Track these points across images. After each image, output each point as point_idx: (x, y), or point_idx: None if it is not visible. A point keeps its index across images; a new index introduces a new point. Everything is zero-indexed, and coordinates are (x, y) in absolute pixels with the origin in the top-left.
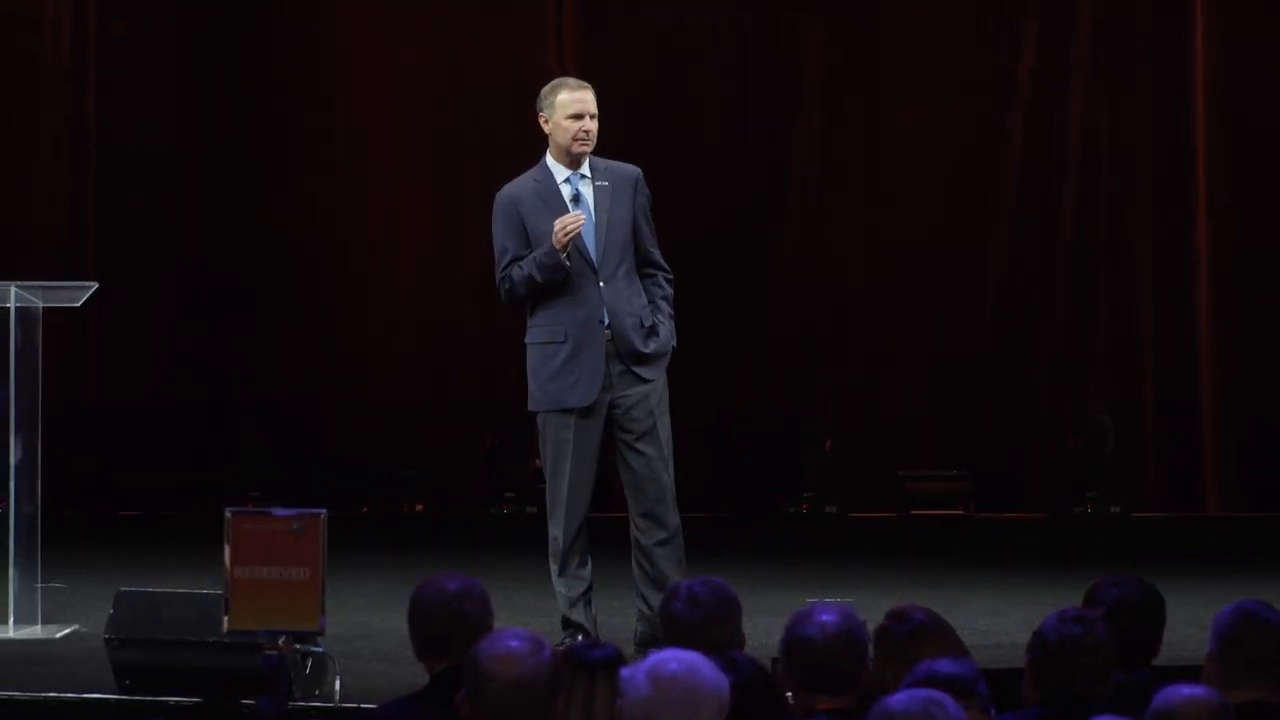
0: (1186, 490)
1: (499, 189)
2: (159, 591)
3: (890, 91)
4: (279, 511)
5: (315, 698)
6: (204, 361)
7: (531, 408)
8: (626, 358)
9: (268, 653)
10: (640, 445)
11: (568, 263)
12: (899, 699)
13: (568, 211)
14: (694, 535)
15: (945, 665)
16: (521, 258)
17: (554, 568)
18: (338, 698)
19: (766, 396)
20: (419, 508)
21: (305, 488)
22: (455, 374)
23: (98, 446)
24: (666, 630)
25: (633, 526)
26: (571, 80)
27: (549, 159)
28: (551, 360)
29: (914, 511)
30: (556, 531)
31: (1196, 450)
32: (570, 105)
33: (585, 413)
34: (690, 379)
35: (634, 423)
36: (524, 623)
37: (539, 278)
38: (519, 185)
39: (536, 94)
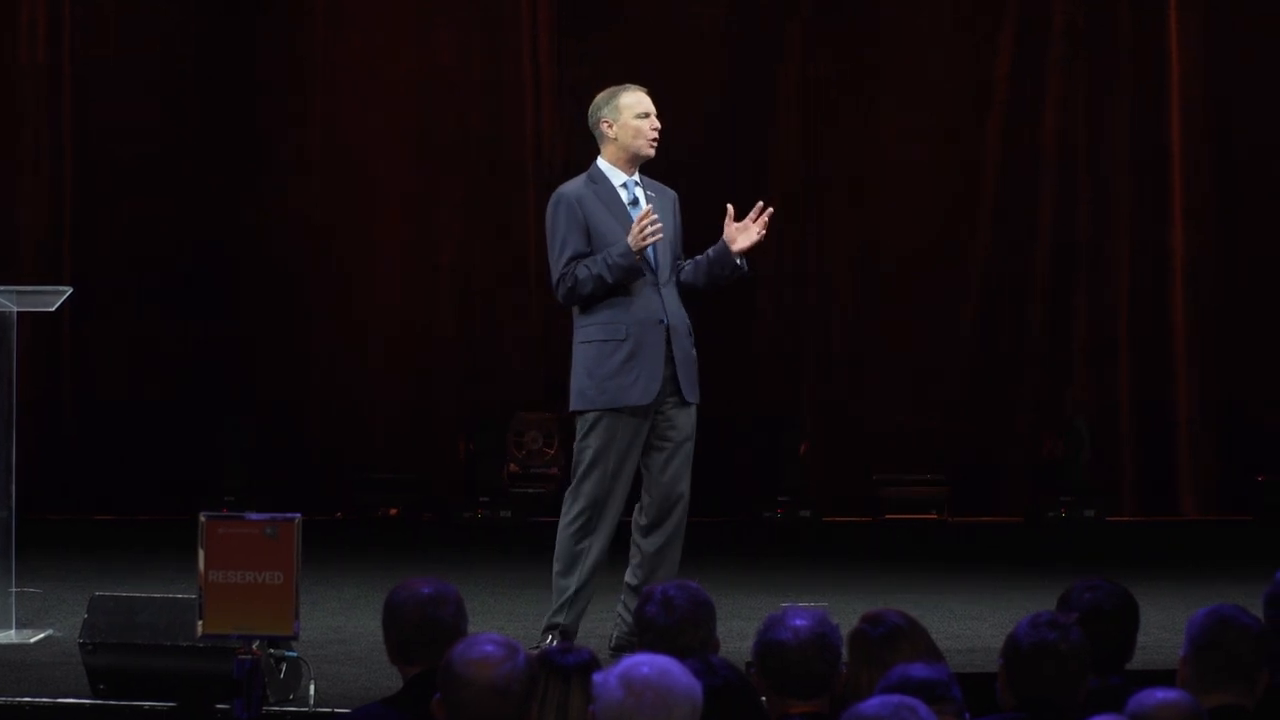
0: (1162, 494)
1: (475, 192)
2: (134, 596)
3: (870, 98)
4: (253, 516)
5: (289, 702)
6: (180, 366)
7: (581, 406)
8: (680, 364)
9: (242, 657)
10: (675, 455)
11: (641, 266)
12: (871, 704)
13: (628, 215)
14: None
15: (918, 670)
16: (583, 255)
17: (562, 565)
18: (312, 702)
19: (744, 401)
20: (393, 512)
21: (281, 492)
22: (432, 378)
23: (73, 450)
24: (641, 634)
25: (637, 531)
26: (628, 84)
27: (603, 163)
28: (611, 358)
29: (889, 516)
30: (592, 529)
31: (1171, 454)
32: (637, 105)
33: (640, 412)
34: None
35: (675, 430)
36: (499, 627)
37: (610, 278)
38: (577, 186)
39: (514, 97)
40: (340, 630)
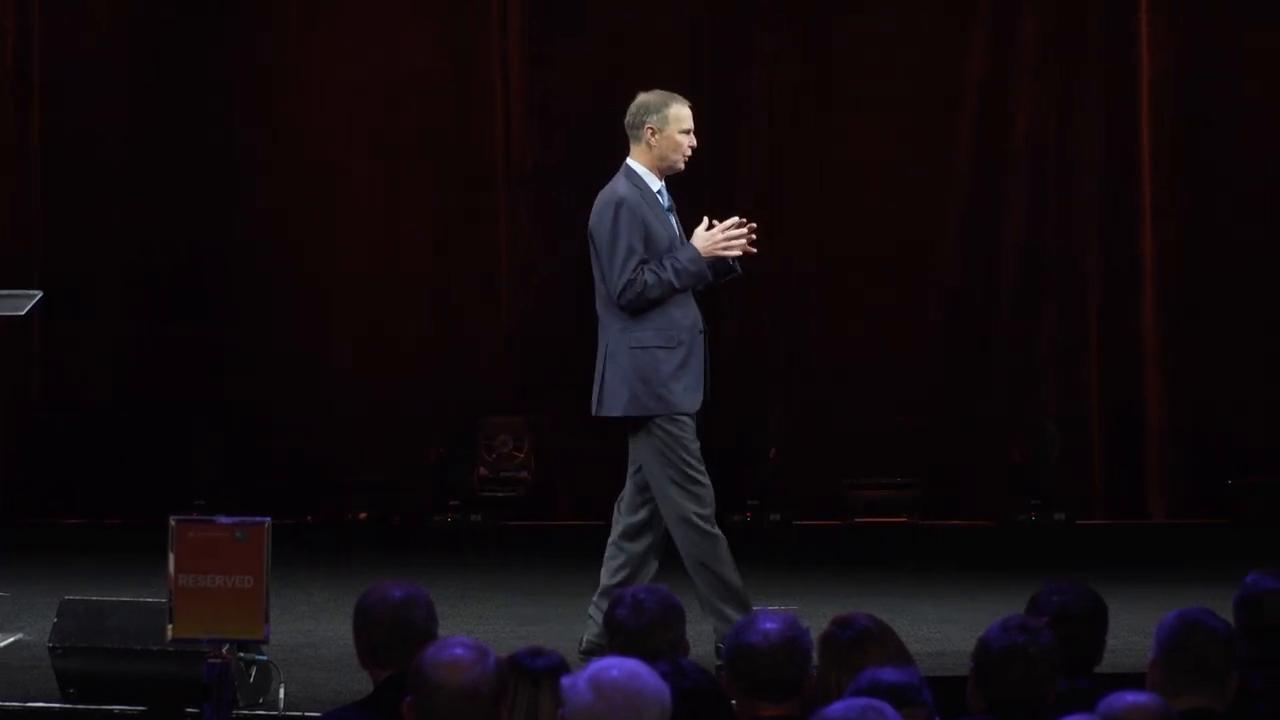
0: (1131, 498)
1: (445, 195)
2: (103, 600)
3: (839, 102)
4: (223, 519)
5: (259, 706)
6: (150, 369)
7: (637, 412)
8: (709, 372)
9: (212, 661)
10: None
11: (710, 275)
12: (839, 707)
13: (669, 220)
14: None
15: (888, 673)
16: (646, 260)
17: (714, 568)
18: (282, 706)
19: (713, 405)
20: (363, 516)
21: (251, 496)
22: (401, 381)
23: (42, 454)
24: (611, 637)
25: (624, 533)
26: (677, 94)
27: (639, 167)
28: (665, 364)
29: (859, 520)
30: (713, 521)
31: (1141, 458)
32: (684, 120)
33: (692, 417)
34: None
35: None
36: (469, 630)
37: (679, 284)
38: (628, 189)
39: (483, 100)
40: (310, 634)
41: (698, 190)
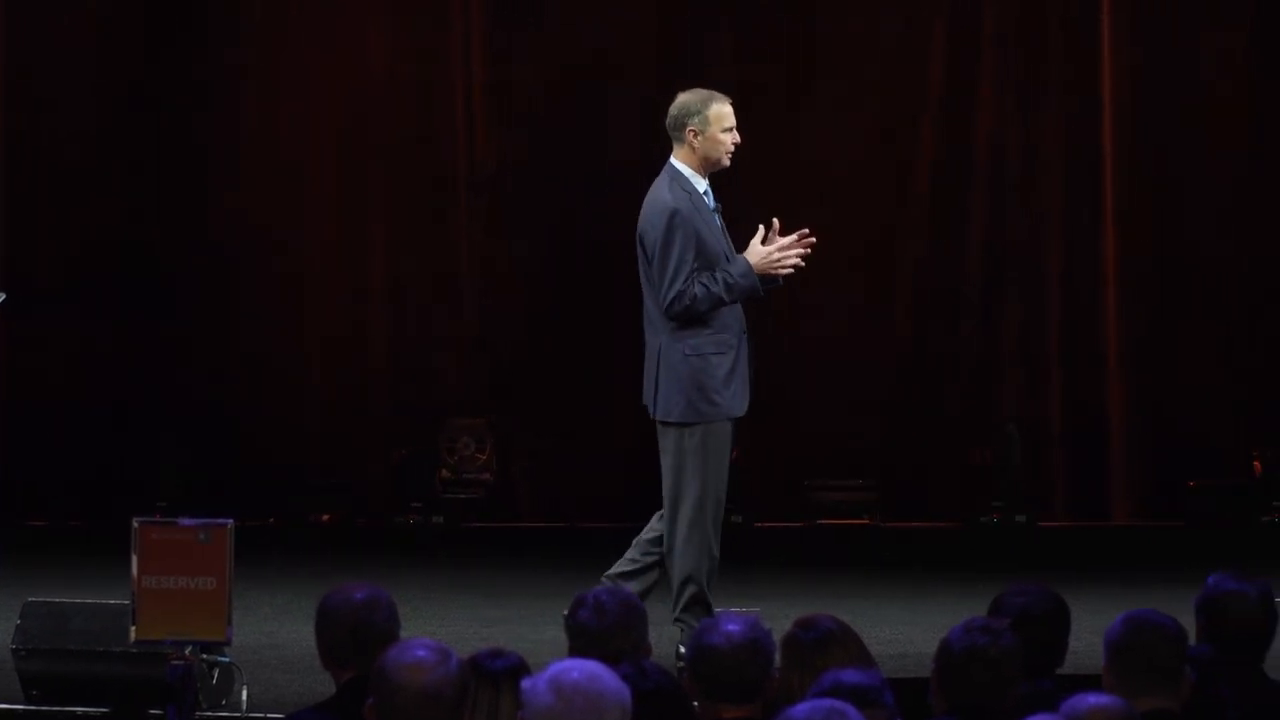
0: (1093, 500)
1: (408, 196)
2: (67, 602)
3: (800, 103)
4: (186, 521)
5: (222, 708)
6: (111, 371)
7: (688, 418)
8: (751, 376)
9: (174, 663)
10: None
11: (761, 290)
12: (802, 709)
13: (716, 222)
14: (602, 545)
15: (850, 675)
16: (697, 272)
17: (695, 590)
18: (245, 708)
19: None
20: (326, 517)
21: (214, 497)
22: (364, 383)
23: (5, 456)
24: (573, 639)
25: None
26: (718, 92)
27: (683, 167)
28: (717, 371)
29: (821, 521)
30: (708, 530)
31: (1103, 460)
32: (726, 118)
33: (735, 422)
34: (603, 389)
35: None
36: (431, 632)
37: (729, 298)
38: (679, 197)
39: (445, 100)
40: (273, 635)
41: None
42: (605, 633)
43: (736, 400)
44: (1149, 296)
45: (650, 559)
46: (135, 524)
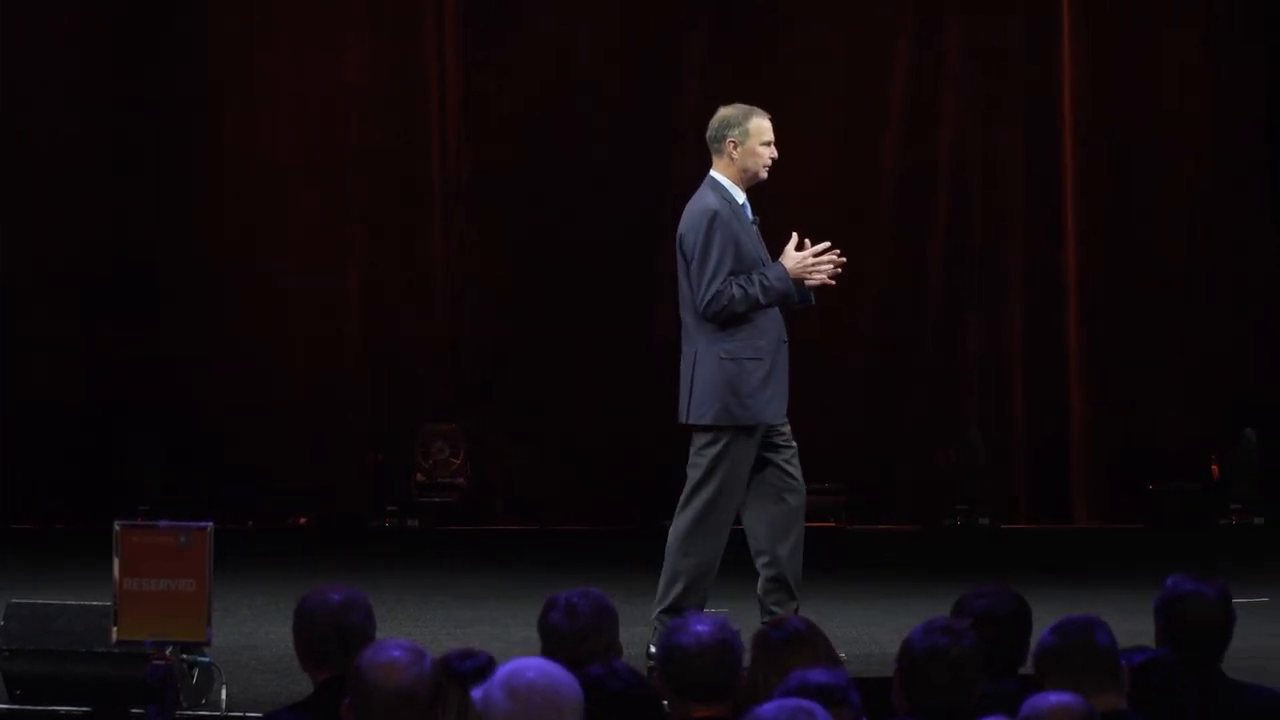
0: (1055, 503)
1: (383, 204)
2: (49, 603)
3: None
4: (166, 524)
5: (202, 707)
6: (95, 377)
7: (718, 421)
8: (787, 381)
9: (155, 663)
10: (793, 465)
11: (795, 296)
12: (769, 708)
13: (754, 233)
14: (572, 547)
15: (817, 674)
16: (735, 274)
17: (679, 590)
18: (224, 707)
19: (647, 413)
20: (303, 521)
21: (193, 501)
22: (340, 389)
23: None
24: (544, 640)
25: (766, 546)
26: (757, 107)
27: (723, 179)
28: (752, 376)
29: None
30: (711, 531)
31: (1064, 464)
32: (765, 132)
33: (761, 428)
34: (575, 395)
35: (786, 441)
36: (406, 633)
37: (764, 300)
38: (719, 202)
39: (420, 110)
40: (252, 636)
41: (635, 197)
42: (577, 634)
43: (770, 406)
44: (1108, 304)
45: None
46: (117, 527)
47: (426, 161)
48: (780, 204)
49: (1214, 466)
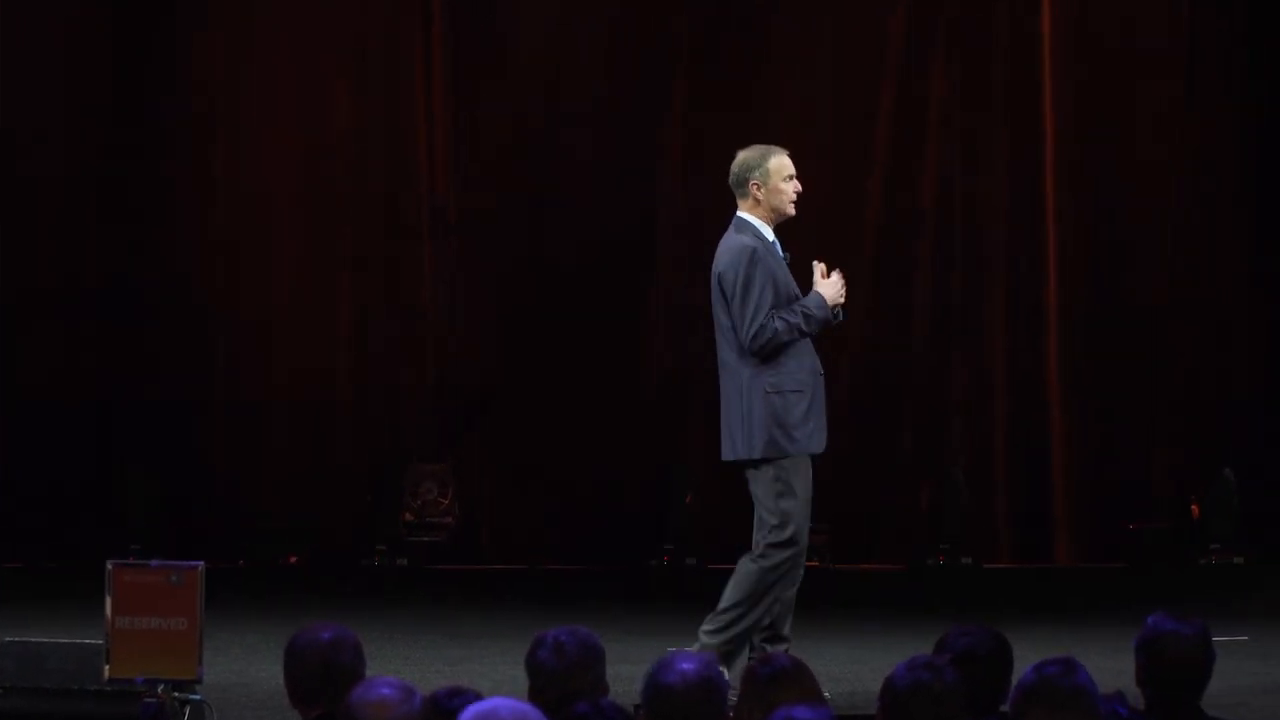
0: (1037, 542)
1: (371, 244)
2: (42, 641)
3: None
4: (158, 564)
5: None
6: (85, 416)
7: (769, 454)
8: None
9: (147, 700)
10: (809, 503)
11: (834, 321)
12: None
13: (786, 268)
14: (560, 586)
15: (801, 711)
16: (775, 308)
17: (735, 617)
18: None
19: (632, 452)
20: (293, 560)
21: (185, 540)
22: (329, 429)
23: None
24: (532, 677)
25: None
26: (774, 145)
27: (753, 219)
28: (796, 408)
29: None
30: (795, 567)
31: (1046, 503)
32: (786, 168)
33: (813, 459)
34: (563, 434)
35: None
36: (395, 671)
37: (807, 329)
38: (754, 240)
39: (408, 150)
40: (243, 674)
41: (620, 230)
42: (564, 672)
43: (814, 438)
44: (1089, 346)
45: (788, 598)
46: (109, 566)
47: (414, 200)
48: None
49: (1193, 506)
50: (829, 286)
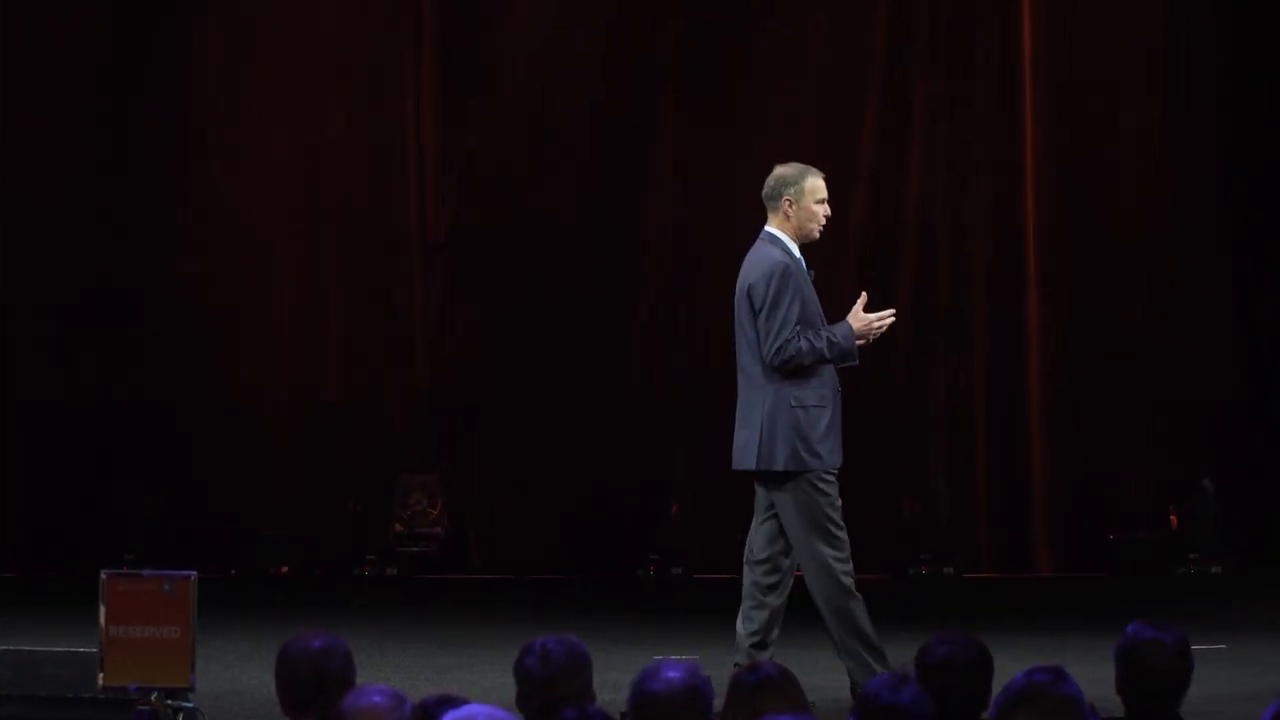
0: (1018, 552)
1: (362, 259)
2: (37, 650)
3: (737, 169)
4: (151, 573)
5: None
6: (81, 430)
7: (796, 467)
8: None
9: (141, 708)
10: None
11: (856, 357)
12: None
13: (810, 285)
14: (547, 595)
15: (786, 719)
16: (801, 327)
17: (843, 614)
18: None
19: (620, 464)
20: (285, 569)
21: (177, 550)
22: (320, 442)
23: None
24: (519, 684)
25: (766, 589)
26: (812, 167)
27: (782, 235)
28: (819, 423)
29: None
30: (851, 575)
31: (1027, 514)
32: (820, 191)
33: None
34: (550, 447)
35: None
36: (385, 679)
37: (829, 355)
38: (784, 257)
39: (398, 167)
40: (235, 682)
41: (607, 252)
42: (549, 679)
43: (835, 453)
44: (1069, 359)
45: (776, 606)
46: (103, 576)
47: (405, 218)
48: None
49: (1173, 517)
50: (860, 320)
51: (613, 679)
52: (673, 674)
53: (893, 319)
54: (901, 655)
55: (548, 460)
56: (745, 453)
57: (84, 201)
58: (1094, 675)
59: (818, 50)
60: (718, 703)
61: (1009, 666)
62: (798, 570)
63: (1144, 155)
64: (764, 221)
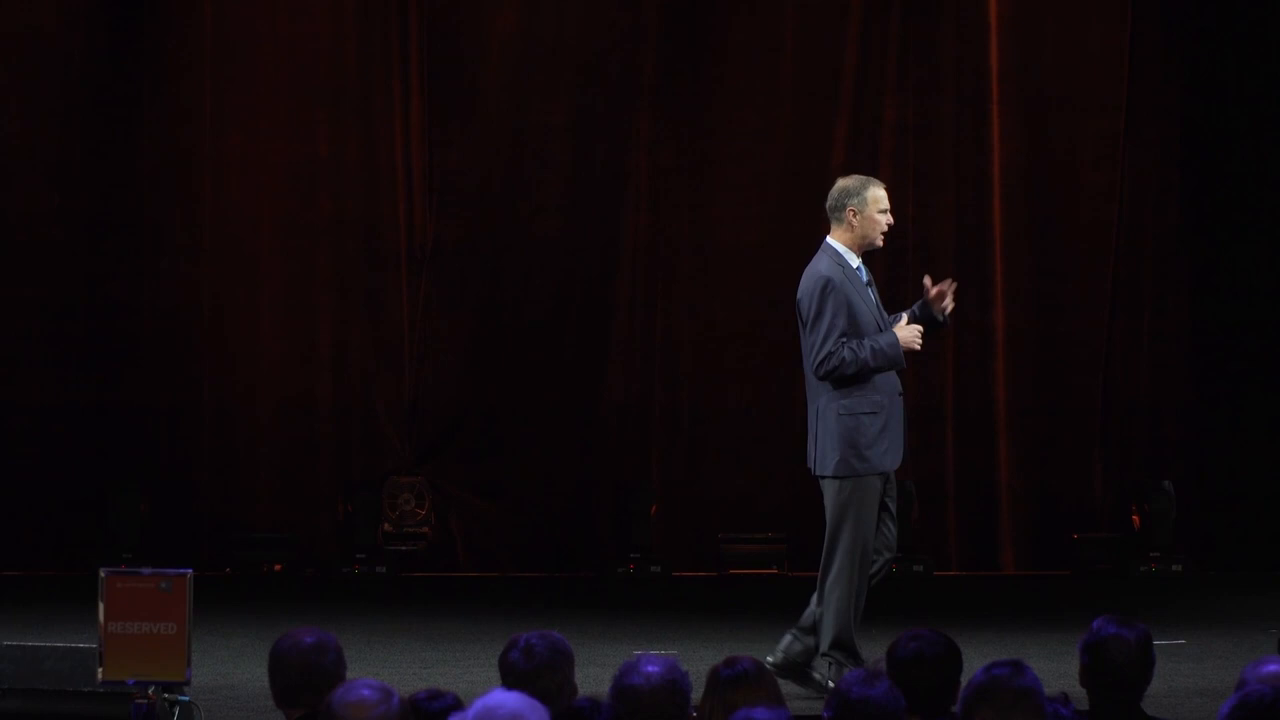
0: (985, 551)
1: (351, 273)
2: (38, 645)
3: (713, 185)
4: (149, 571)
5: None
6: (79, 436)
7: (842, 472)
8: (904, 431)
9: (138, 701)
10: (886, 528)
11: (904, 364)
12: None
13: (869, 295)
14: (530, 593)
15: (760, 713)
16: (847, 336)
17: (840, 627)
18: None
19: (599, 465)
20: (277, 568)
21: (174, 550)
22: (311, 445)
23: None
24: (503, 677)
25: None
26: (873, 178)
27: (838, 245)
28: (869, 429)
29: (732, 571)
30: (855, 587)
31: (993, 514)
32: (883, 200)
33: (885, 476)
34: (533, 448)
35: (890, 499)
36: (374, 673)
37: (874, 364)
38: (832, 268)
39: (386, 184)
40: (229, 676)
41: (586, 263)
42: (533, 673)
43: (887, 456)
44: (1034, 364)
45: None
46: (102, 574)
47: (393, 230)
48: (721, 270)
49: (1134, 517)
50: (908, 331)
51: (594, 673)
52: (652, 668)
53: (950, 294)
54: (873, 650)
55: (530, 464)
56: (810, 457)
57: (76, 221)
58: (1060, 669)
59: (789, 68)
60: (695, 696)
61: (977, 661)
62: (768, 569)
63: (1106, 163)
64: (742, 238)
